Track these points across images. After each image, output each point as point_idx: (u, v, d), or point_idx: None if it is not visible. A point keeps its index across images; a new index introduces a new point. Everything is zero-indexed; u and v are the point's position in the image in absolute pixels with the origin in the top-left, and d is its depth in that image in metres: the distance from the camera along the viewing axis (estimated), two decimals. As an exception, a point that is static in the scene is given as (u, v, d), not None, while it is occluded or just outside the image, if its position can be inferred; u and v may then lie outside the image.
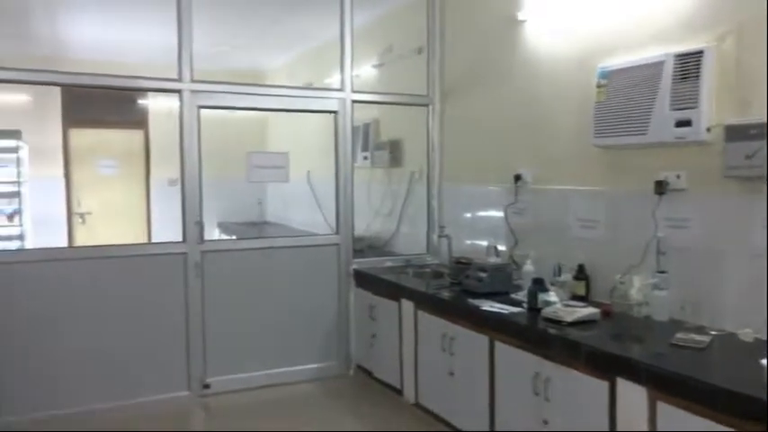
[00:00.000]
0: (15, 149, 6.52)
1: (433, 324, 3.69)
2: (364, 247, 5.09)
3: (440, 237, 4.70)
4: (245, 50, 6.83)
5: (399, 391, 4.10)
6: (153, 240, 7.79)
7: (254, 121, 7.78)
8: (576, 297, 3.28)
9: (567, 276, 3.38)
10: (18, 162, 6.63)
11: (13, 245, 6.53)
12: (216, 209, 7.29)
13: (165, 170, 7.76)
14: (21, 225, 6.74)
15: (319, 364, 4.62)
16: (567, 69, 3.57)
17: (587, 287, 3.34)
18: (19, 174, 6.66)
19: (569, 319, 2.86)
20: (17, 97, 6.66)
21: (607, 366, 2.48)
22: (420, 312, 3.86)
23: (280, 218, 7.96)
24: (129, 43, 6.31)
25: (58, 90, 7.06)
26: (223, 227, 7.68)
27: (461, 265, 3.91)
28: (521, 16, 3.88)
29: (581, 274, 3.36)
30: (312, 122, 6.02)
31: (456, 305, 3.52)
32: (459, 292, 3.68)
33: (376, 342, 4.40)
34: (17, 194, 6.61)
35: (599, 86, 3.17)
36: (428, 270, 4.56)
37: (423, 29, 4.83)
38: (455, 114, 4.74)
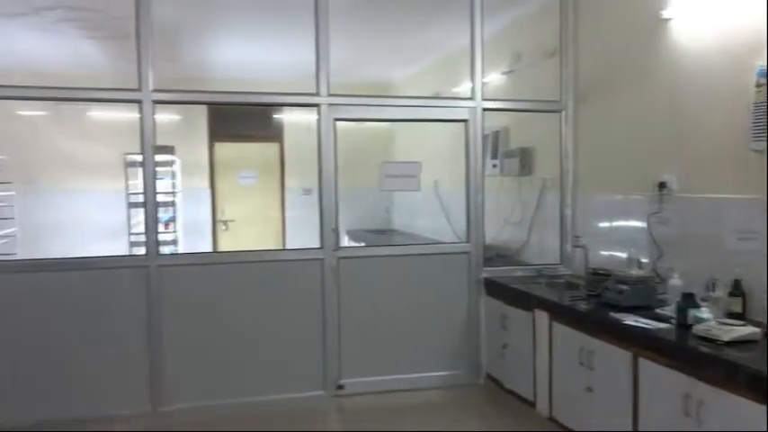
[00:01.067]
0: (170, 163, 7.17)
1: (570, 336, 3.57)
2: (493, 255, 5.04)
3: (574, 247, 4.54)
4: (374, 63, 7.02)
5: (532, 404, 4.01)
6: (287, 246, 8.24)
7: (381, 132, 7.98)
8: (731, 315, 3.03)
9: (720, 292, 3.13)
10: (172, 174, 7.29)
11: (168, 249, 7.17)
12: (344, 217, 7.54)
13: (298, 180, 8.19)
14: (174, 232, 7.39)
15: (449, 372, 4.63)
16: (719, 68, 3.32)
17: (744, 304, 3.08)
18: (173, 185, 7.31)
19: (726, 338, 2.65)
20: (170, 116, 7.31)
21: (770, 391, 2.28)
22: (555, 324, 3.75)
23: (405, 226, 8.08)
24: (268, 62, 6.71)
25: (205, 108, 7.67)
26: (351, 234, 7.92)
27: (599, 277, 3.75)
28: (665, 14, 3.67)
29: (737, 289, 3.10)
30: (439, 131, 6.07)
31: (595, 318, 3.39)
32: (597, 305, 3.54)
33: (507, 352, 4.33)
34: (172, 204, 7.25)
35: (758, 86, 2.92)
36: (562, 281, 4.43)
37: (554, 33, 4.71)
38: (590, 119, 4.57)
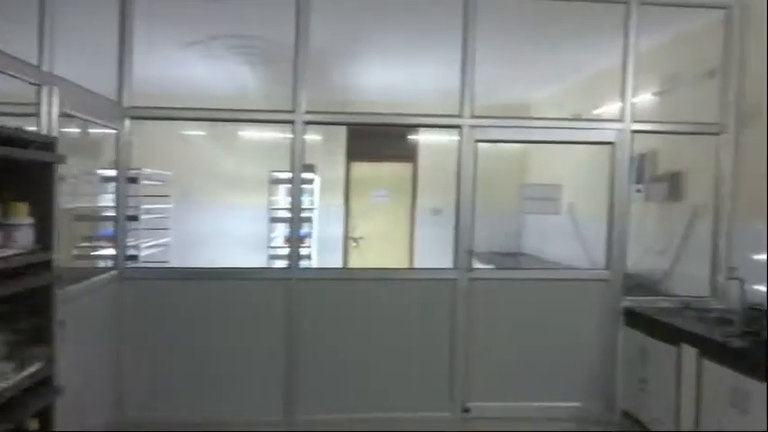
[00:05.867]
0: (311, 181, 7.56)
1: (722, 376, 3.31)
2: (633, 285, 4.78)
3: (729, 279, 4.21)
4: (515, 83, 6.97)
5: (674, 445, 3.75)
6: (415, 265, 8.34)
7: (516, 153, 7.90)
8: None
9: None
10: (312, 192, 7.68)
11: (303, 264, 7.52)
12: (476, 238, 7.53)
13: (428, 200, 8.29)
14: (309, 247, 7.75)
15: (580, 404, 4.46)
16: None
17: None
18: (311, 202, 7.69)
19: None
20: (313, 136, 7.72)
21: None
22: (705, 361, 3.49)
23: (535, 249, 7.90)
24: (411, 84, 6.88)
25: (344, 129, 8.03)
26: (480, 256, 7.85)
27: (758, 312, 3.47)
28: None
29: None
30: (574, 154, 5.90)
31: (754, 357, 3.12)
32: (755, 343, 3.27)
33: (647, 388, 4.08)
34: (308, 220, 7.63)
35: None
36: (713, 315, 4.10)
37: (714, 52, 4.44)
38: (753, 143, 4.23)
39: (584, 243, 5.86)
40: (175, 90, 6.57)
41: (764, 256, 4.00)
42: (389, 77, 6.86)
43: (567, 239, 6.38)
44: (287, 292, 4.29)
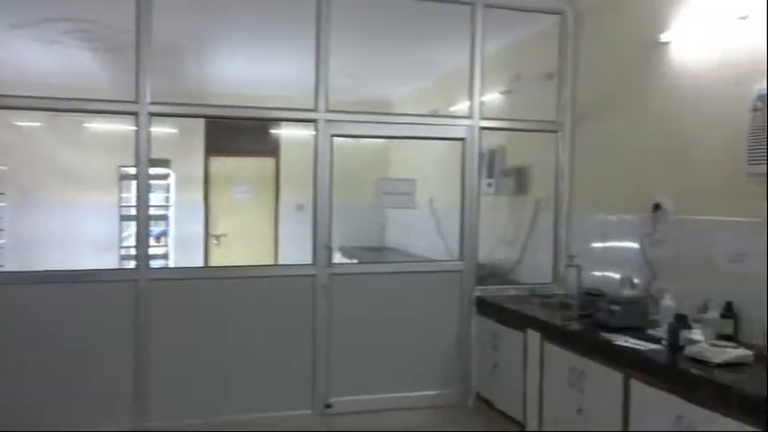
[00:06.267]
0: (165, 177, 7.17)
1: (561, 357, 3.55)
2: (486, 274, 5.02)
3: (568, 266, 4.54)
4: (373, 80, 7.06)
5: (522, 425, 3.97)
6: (279, 262, 8.20)
7: (377, 148, 8.00)
8: (722, 337, 3.02)
9: (713, 314, 3.12)
10: (167, 188, 7.27)
11: (159, 263, 7.12)
12: (338, 233, 7.53)
13: (292, 196, 8.18)
14: (166, 246, 7.36)
15: (439, 391, 4.58)
16: (716, 93, 3.35)
17: (736, 327, 3.07)
18: (167, 198, 7.29)
19: (717, 360, 2.65)
20: (167, 129, 7.31)
21: (761, 414, 2.26)
22: (547, 344, 3.73)
23: (398, 243, 8.07)
24: (267, 77, 6.74)
25: (202, 122, 7.68)
26: (344, 251, 7.89)
27: (592, 297, 3.75)
28: (664, 38, 3.71)
29: (728, 311, 3.10)
30: (435, 149, 6.08)
31: (587, 338, 3.37)
32: (589, 325, 3.52)
33: (498, 372, 4.30)
34: (164, 218, 7.23)
35: (755, 110, 2.95)
36: (555, 301, 4.40)
37: (553, 55, 4.75)
38: (587, 141, 4.60)
39: (444, 236, 6.06)
40: (2, 76, 5.93)
41: (599, 245, 4.36)
42: (248, 70, 6.66)
43: (429, 233, 6.57)
44: (136, 293, 4.01)
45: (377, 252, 7.83)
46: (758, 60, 3.07)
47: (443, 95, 6.56)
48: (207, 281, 4.32)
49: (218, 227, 8.38)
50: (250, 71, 6.69)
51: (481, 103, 4.65)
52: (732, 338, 3.01)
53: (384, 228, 8.42)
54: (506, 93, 5.43)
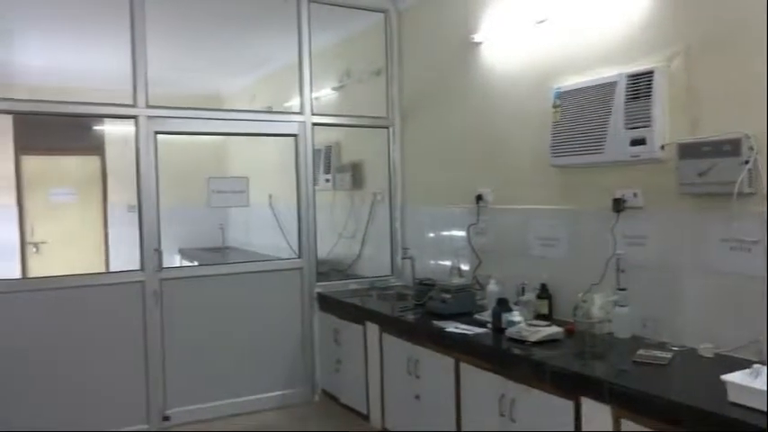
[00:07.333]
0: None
1: (399, 347, 3.65)
2: (328, 270, 5.03)
3: (403, 258, 4.68)
4: (203, 75, 6.75)
5: (366, 417, 4.04)
6: (111, 269, 7.59)
7: (213, 146, 7.67)
8: (539, 316, 3.28)
9: (530, 296, 3.38)
10: (-34, 191, 6.40)
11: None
12: (177, 235, 7.14)
13: (123, 196, 7.58)
14: (-29, 256, 6.49)
15: (284, 391, 4.52)
16: (524, 90, 3.62)
17: (550, 306, 3.35)
18: (-33, 203, 6.42)
19: (533, 338, 2.86)
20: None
21: (571, 385, 2.47)
22: (385, 335, 3.81)
23: (242, 243, 7.83)
24: (84, 69, 6.18)
25: (9, 117, 6.85)
26: (184, 253, 7.52)
27: (425, 287, 3.88)
28: (476, 38, 3.93)
29: (544, 293, 3.37)
30: (273, 146, 5.95)
31: (420, 327, 3.49)
32: (423, 314, 3.65)
33: (341, 367, 4.33)
34: (-35, 225, 6.37)
35: (554, 107, 3.21)
36: (392, 292, 4.52)
37: (381, 52, 4.85)
38: (415, 136, 4.76)
39: (286, 233, 5.96)
40: None
41: (432, 235, 4.54)
42: (63, 61, 6.06)
43: (271, 231, 6.44)
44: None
45: (218, 253, 7.53)
46: (556, 61, 3.36)
47: (277, 91, 6.45)
48: (23, 293, 3.87)
49: (37, 233, 7.55)
50: (65, 62, 6.09)
51: (314, 99, 4.63)
52: (548, 317, 3.28)
53: (226, 227, 8.12)
54: (339, 88, 5.46)
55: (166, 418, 4.13)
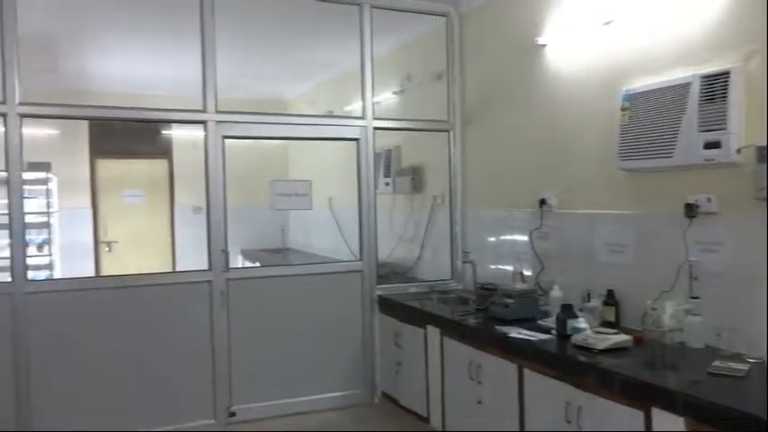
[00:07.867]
0: (45, 181, 6.65)
1: (460, 351, 3.64)
2: (388, 273, 5.06)
3: (464, 262, 4.66)
4: (267, 80, 6.92)
5: (426, 419, 4.04)
6: (177, 268, 7.87)
7: (276, 149, 7.85)
8: (605, 323, 3.21)
9: (596, 302, 3.31)
10: (47, 193, 6.76)
11: (42, 274, 6.62)
12: (239, 236, 7.34)
13: (189, 198, 7.85)
14: (50, 255, 6.85)
15: (345, 392, 4.58)
16: (590, 93, 3.55)
17: (617, 313, 3.28)
18: (48, 204, 6.78)
19: (600, 346, 2.80)
20: (47, 131, 6.80)
21: (642, 395, 2.41)
22: (446, 339, 3.81)
23: (302, 245, 7.98)
24: (156, 76, 6.44)
25: (85, 123, 7.21)
26: (246, 254, 7.71)
27: (487, 291, 3.86)
28: (541, 41, 3.88)
29: (610, 299, 3.30)
30: (334, 149, 6.05)
31: (482, 332, 3.47)
32: (485, 319, 3.63)
33: (402, 369, 4.35)
34: (46, 225, 6.73)
35: (623, 109, 3.14)
36: (453, 296, 4.51)
37: (442, 56, 4.85)
38: (476, 139, 4.73)
39: (346, 237, 6.04)
40: None
41: (493, 240, 4.51)
42: (135, 68, 6.32)
43: (332, 233, 6.54)
44: (12, 308, 3.71)
45: (279, 254, 7.70)
46: (625, 62, 3.28)
47: (339, 95, 6.54)
48: (97, 291, 4.05)
49: (109, 233, 7.91)
50: (136, 70, 6.36)
51: (375, 104, 4.68)
52: (614, 325, 3.20)
53: (286, 229, 8.28)
54: (399, 93, 5.49)
55: (232, 414, 4.25)
